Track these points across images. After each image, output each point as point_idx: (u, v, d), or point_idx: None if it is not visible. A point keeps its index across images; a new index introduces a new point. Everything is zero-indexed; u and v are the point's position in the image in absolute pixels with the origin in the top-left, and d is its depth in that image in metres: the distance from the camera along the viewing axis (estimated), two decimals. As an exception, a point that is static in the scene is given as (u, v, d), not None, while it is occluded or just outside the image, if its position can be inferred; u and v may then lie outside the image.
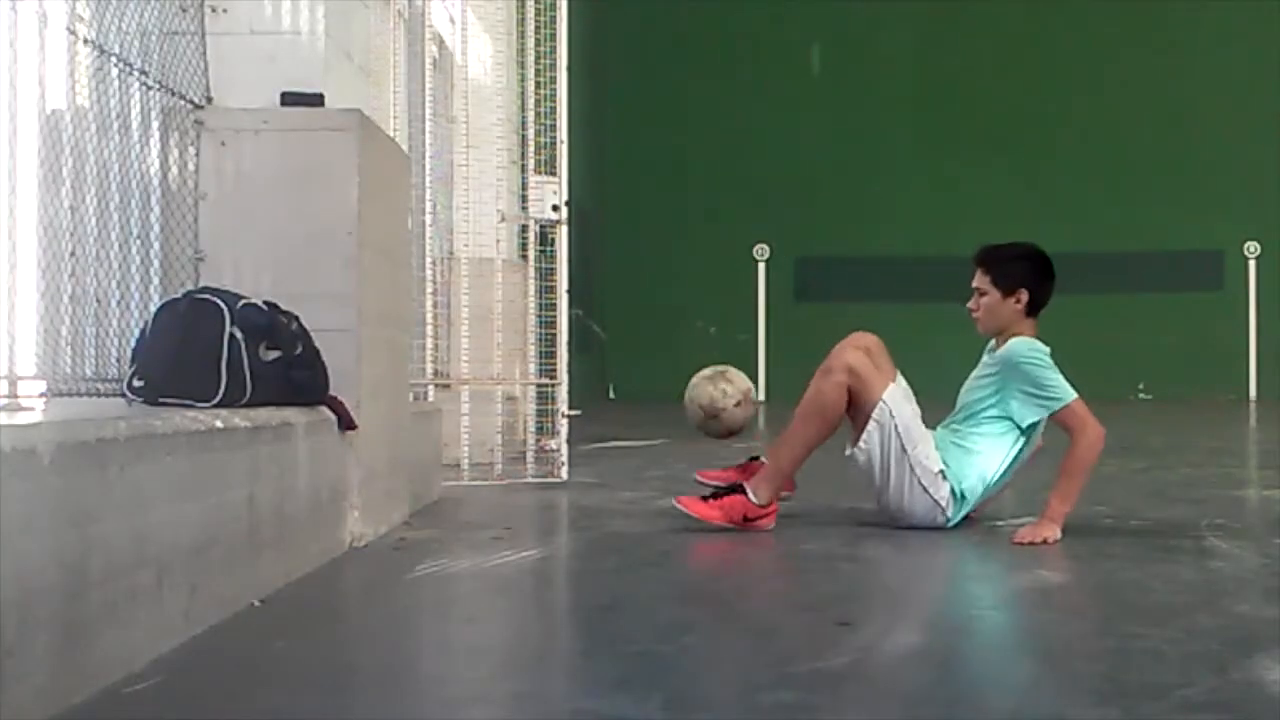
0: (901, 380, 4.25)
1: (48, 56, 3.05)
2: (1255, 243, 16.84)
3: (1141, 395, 16.83)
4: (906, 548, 3.87)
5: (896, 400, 4.15)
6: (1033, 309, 4.26)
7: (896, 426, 4.11)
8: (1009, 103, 17.42)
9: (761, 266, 17.72)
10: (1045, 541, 3.85)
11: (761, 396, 16.83)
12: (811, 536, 4.00)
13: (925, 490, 4.12)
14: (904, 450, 4.10)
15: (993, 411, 4.17)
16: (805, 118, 17.72)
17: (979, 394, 4.22)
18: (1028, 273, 4.26)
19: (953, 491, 4.14)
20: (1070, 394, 4.07)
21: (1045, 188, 17.09)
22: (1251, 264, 16.89)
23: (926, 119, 17.60)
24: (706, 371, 4.59)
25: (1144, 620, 2.81)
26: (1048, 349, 4.18)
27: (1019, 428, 4.15)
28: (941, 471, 4.13)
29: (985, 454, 4.17)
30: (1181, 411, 13.38)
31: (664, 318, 17.65)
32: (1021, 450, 4.20)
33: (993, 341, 4.34)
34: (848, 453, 4.23)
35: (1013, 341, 4.19)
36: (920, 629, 2.82)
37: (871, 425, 4.13)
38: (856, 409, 4.18)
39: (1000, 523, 4.33)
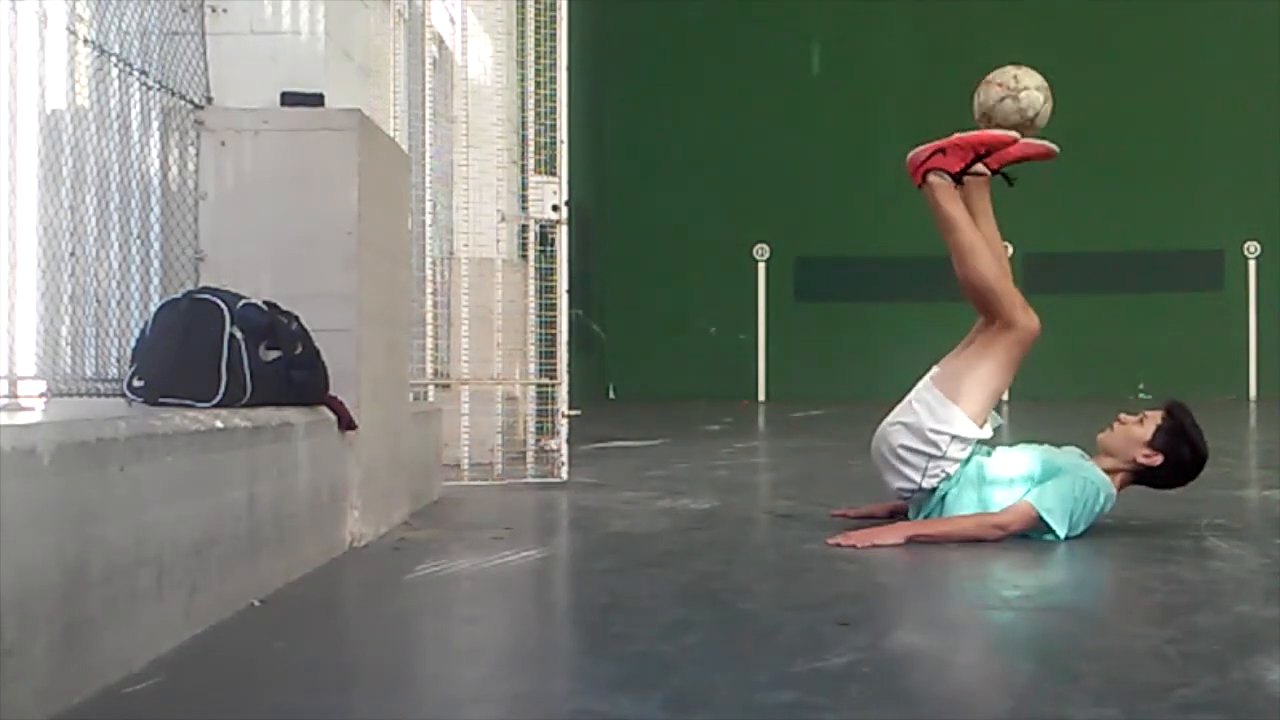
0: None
1: (48, 56, 3.05)
2: (1255, 243, 16.85)
3: (1141, 395, 16.81)
4: (906, 548, 3.87)
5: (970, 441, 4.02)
6: (1140, 477, 4.08)
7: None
8: (1008, 103, 17.39)
9: (761, 266, 17.72)
10: (868, 544, 3.81)
11: (761, 396, 16.86)
12: (811, 536, 4.00)
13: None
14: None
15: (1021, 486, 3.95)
16: (805, 118, 17.73)
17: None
18: (1178, 459, 4.04)
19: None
20: (1059, 528, 3.81)
21: (1045, 187, 16.97)
22: (1251, 264, 16.90)
23: (926, 119, 17.53)
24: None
25: (1144, 620, 2.81)
26: (1103, 498, 3.93)
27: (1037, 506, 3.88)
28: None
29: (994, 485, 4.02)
30: (1181, 411, 13.34)
31: (664, 318, 17.66)
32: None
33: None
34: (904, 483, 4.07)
35: (1086, 463, 4.02)
36: (920, 629, 2.82)
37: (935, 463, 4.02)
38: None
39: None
